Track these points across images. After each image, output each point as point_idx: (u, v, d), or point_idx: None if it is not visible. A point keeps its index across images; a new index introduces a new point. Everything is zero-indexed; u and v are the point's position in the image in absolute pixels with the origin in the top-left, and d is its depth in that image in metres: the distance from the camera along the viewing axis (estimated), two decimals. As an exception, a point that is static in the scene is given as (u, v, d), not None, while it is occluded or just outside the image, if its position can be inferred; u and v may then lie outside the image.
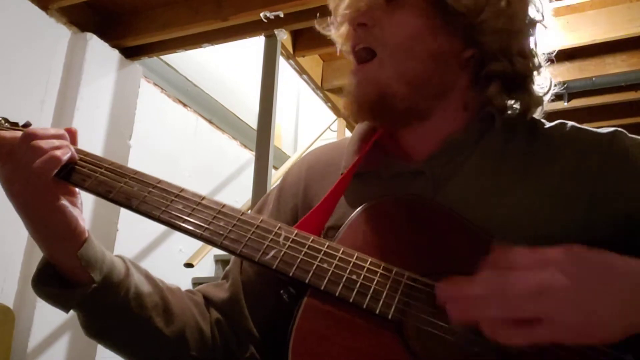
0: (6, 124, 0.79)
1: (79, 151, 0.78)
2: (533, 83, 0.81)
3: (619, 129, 0.76)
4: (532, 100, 0.81)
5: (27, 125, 0.80)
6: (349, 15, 0.81)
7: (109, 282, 0.73)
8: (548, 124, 0.81)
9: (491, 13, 0.75)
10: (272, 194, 0.92)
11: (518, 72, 0.78)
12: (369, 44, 0.79)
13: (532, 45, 0.79)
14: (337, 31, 0.87)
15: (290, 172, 0.93)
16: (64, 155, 0.73)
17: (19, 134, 0.74)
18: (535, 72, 0.80)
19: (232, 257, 0.89)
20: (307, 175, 0.89)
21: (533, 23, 0.79)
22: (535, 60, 0.80)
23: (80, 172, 0.76)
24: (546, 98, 0.82)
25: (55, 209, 0.71)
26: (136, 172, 0.77)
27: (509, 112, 0.82)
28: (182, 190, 0.74)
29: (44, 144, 0.72)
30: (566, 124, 0.80)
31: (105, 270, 0.73)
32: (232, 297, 0.84)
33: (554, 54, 0.82)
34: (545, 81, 0.82)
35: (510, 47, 0.78)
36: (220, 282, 0.88)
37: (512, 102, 0.82)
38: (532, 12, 0.79)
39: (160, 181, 0.76)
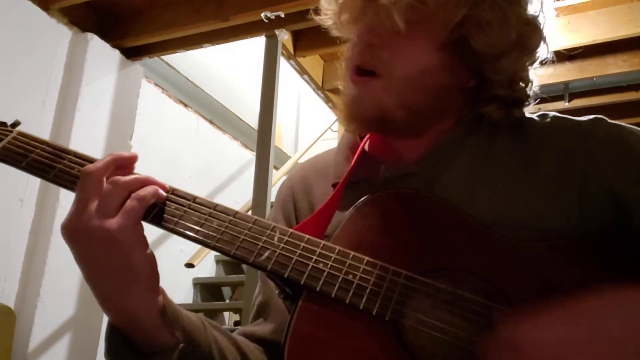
0: None
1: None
2: (528, 103, 0.81)
3: (600, 116, 0.77)
4: (521, 108, 0.81)
5: (15, 124, 0.78)
6: (357, 30, 0.77)
7: (192, 339, 0.68)
8: (528, 115, 0.81)
9: (510, 57, 0.75)
10: (275, 214, 0.89)
11: (518, 97, 0.79)
12: (374, 67, 0.75)
13: (530, 67, 0.79)
14: (339, 27, 0.81)
15: (280, 193, 0.91)
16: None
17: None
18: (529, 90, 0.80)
19: (260, 291, 0.86)
20: (295, 193, 0.88)
21: (537, 48, 0.78)
22: (532, 83, 0.80)
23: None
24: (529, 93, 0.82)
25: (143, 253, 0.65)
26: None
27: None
28: (174, 190, 0.72)
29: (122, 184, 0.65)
30: (547, 114, 0.81)
31: (185, 326, 0.68)
32: (282, 324, 0.78)
33: (554, 54, 0.82)
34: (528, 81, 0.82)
35: (515, 77, 0.78)
36: (258, 321, 0.84)
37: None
38: (541, 43, 0.78)
39: None
